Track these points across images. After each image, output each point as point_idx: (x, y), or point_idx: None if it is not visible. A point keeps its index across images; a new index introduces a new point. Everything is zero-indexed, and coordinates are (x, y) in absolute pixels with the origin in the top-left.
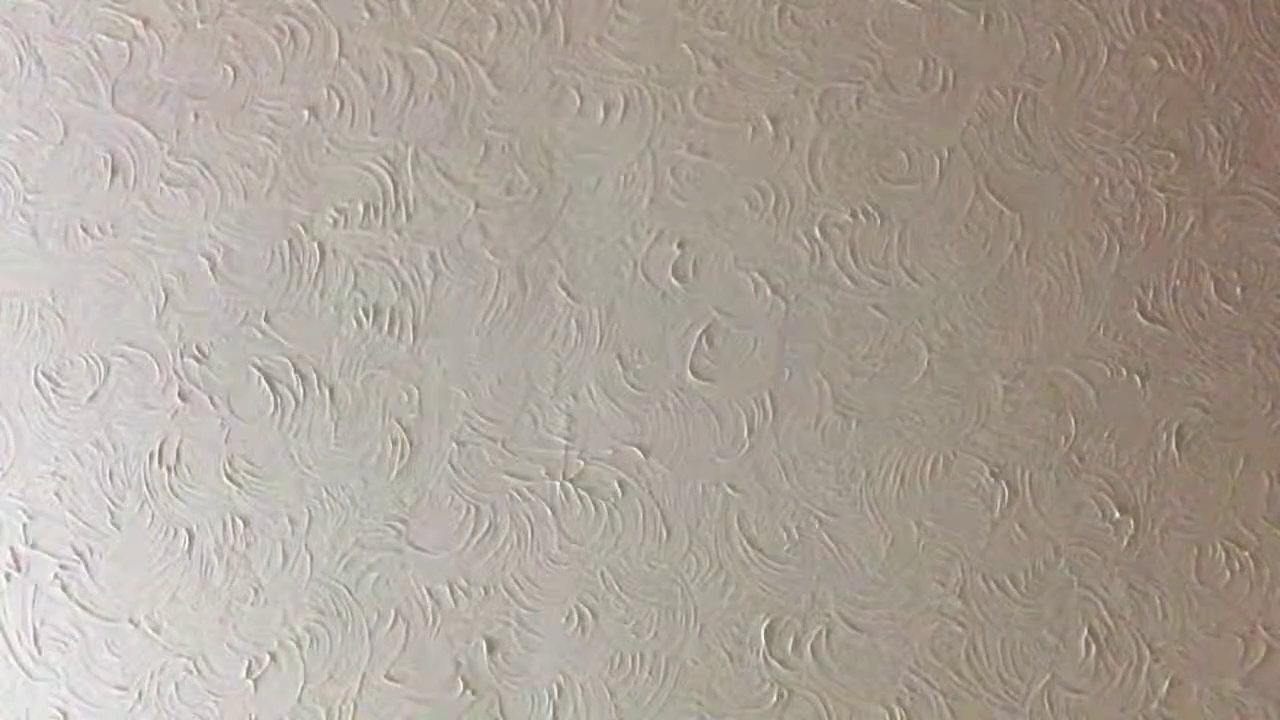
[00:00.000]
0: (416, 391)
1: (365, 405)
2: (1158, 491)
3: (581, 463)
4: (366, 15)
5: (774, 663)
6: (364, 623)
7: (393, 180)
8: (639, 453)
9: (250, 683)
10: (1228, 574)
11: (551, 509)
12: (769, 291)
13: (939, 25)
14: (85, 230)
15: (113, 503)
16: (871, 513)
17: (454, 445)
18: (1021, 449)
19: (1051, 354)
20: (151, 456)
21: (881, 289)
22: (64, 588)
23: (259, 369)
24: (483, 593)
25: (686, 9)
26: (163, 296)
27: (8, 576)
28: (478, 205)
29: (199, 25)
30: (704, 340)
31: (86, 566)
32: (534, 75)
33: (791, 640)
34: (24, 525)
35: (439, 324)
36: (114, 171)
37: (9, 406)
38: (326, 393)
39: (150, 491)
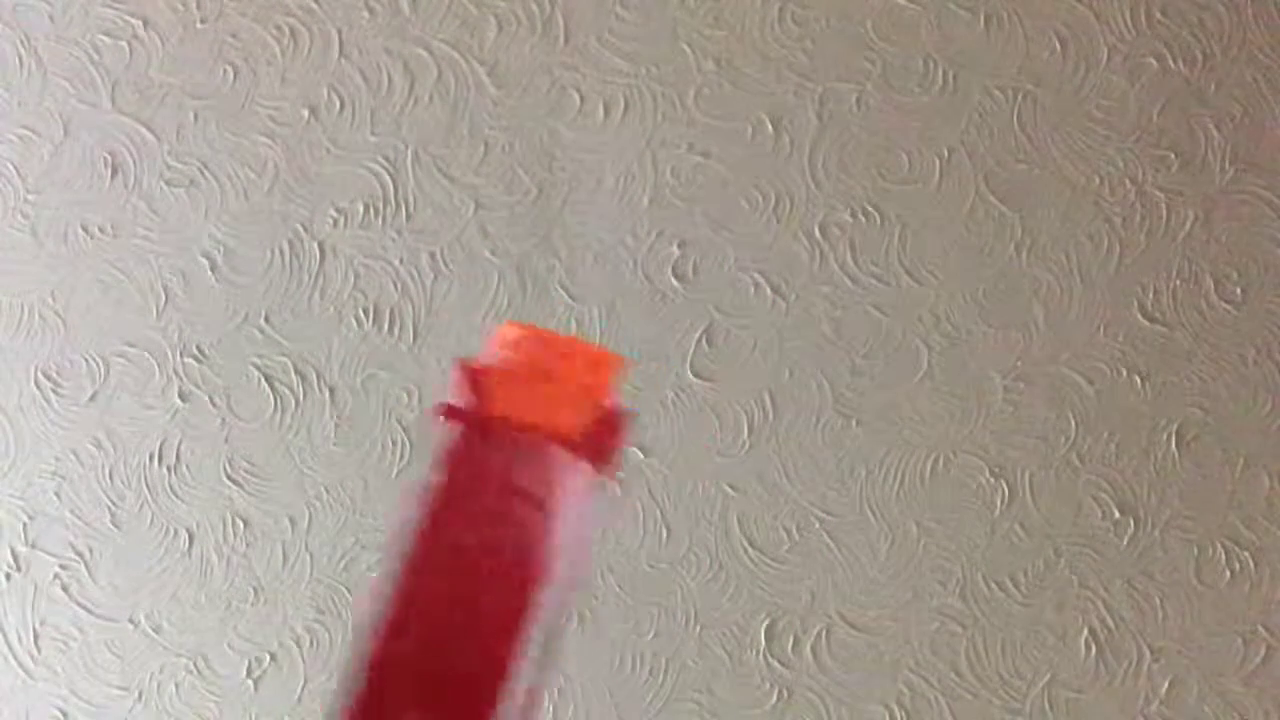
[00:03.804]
0: (416, 391)
1: (365, 405)
2: (1158, 491)
3: None
4: (366, 15)
5: (774, 663)
6: None
7: (393, 180)
8: (639, 453)
9: (250, 683)
10: (1228, 574)
11: None
12: (769, 291)
13: (939, 25)
14: (85, 230)
15: (113, 503)
16: (871, 513)
17: None
18: (1021, 449)
19: (1051, 354)
20: (151, 456)
21: (881, 289)
22: (64, 588)
23: (259, 369)
24: None
25: (686, 9)
26: (163, 296)
27: (8, 576)
28: (478, 205)
29: (199, 25)
30: (704, 340)
31: (86, 566)
32: (534, 75)
33: (791, 640)
34: (24, 525)
35: (439, 324)
36: (114, 171)
37: (9, 406)
38: (326, 393)
39: (150, 491)
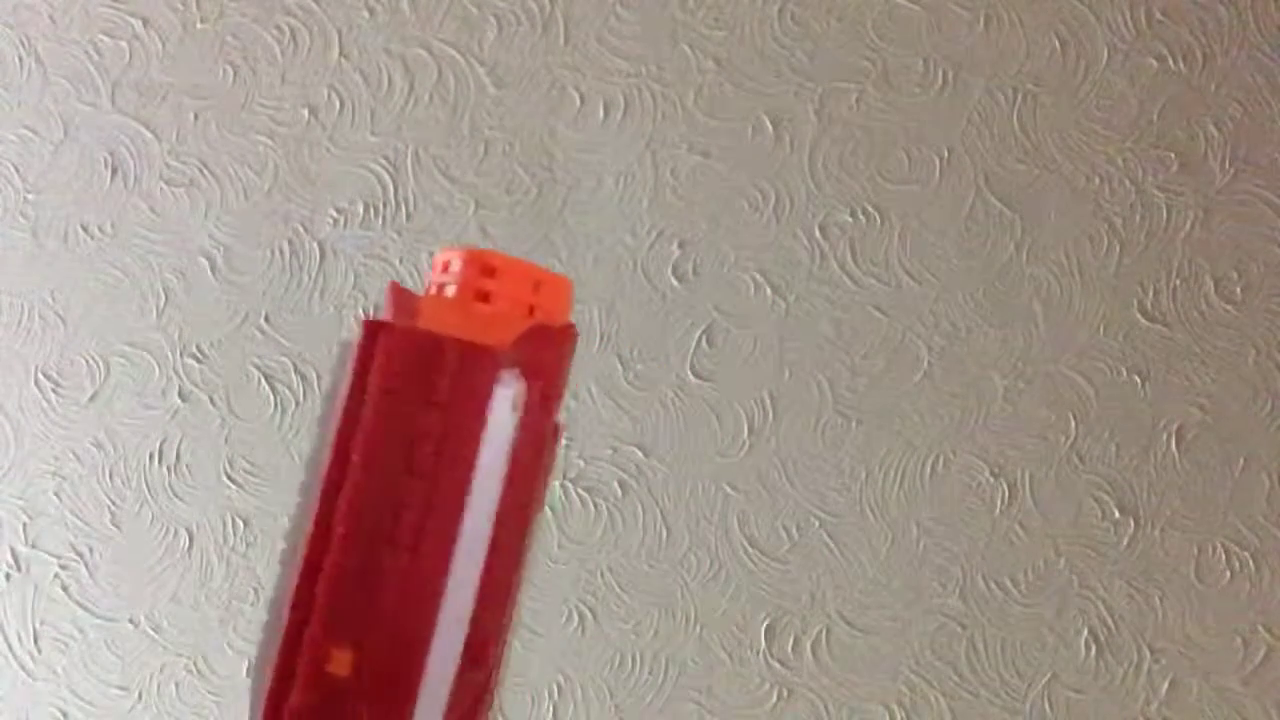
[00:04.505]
0: None
1: None
2: (1158, 491)
3: (581, 463)
4: (366, 15)
5: (774, 663)
6: None
7: (393, 180)
8: (639, 453)
9: (250, 683)
10: (1228, 574)
11: (551, 509)
12: (769, 291)
13: (939, 25)
14: (85, 230)
15: (113, 503)
16: (871, 513)
17: None
18: (1021, 449)
19: (1051, 354)
20: (151, 456)
21: (881, 289)
22: (64, 588)
23: (259, 369)
24: None
25: (686, 9)
26: (163, 296)
27: (8, 576)
28: (478, 205)
29: (199, 25)
30: (704, 340)
31: (86, 566)
32: (534, 75)
33: (791, 640)
34: (24, 525)
35: None
36: (114, 171)
37: (9, 406)
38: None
39: (150, 491)
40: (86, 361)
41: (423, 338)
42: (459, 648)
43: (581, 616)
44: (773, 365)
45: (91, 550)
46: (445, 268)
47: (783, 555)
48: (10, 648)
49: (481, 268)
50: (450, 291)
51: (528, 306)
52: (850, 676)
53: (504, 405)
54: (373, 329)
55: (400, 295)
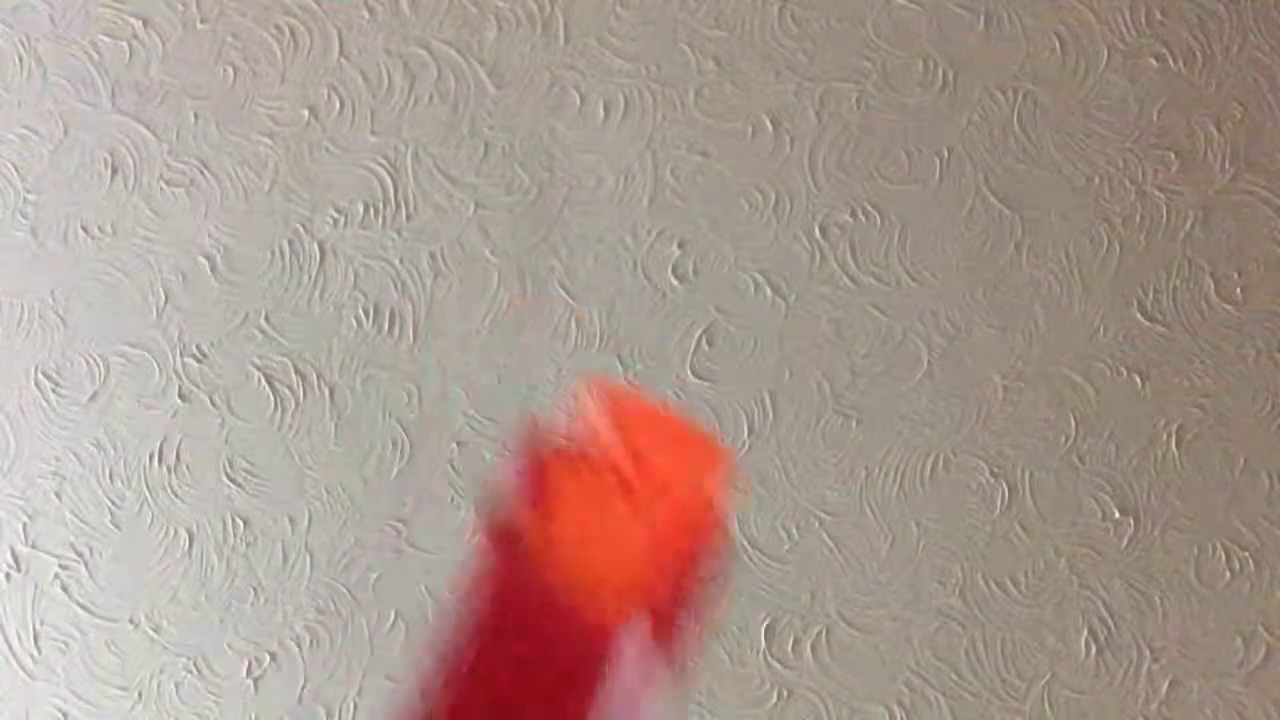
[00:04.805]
0: (416, 391)
1: (365, 405)
2: (1158, 491)
3: None
4: (366, 15)
5: (774, 663)
6: (364, 623)
7: (393, 180)
8: None
9: (250, 683)
10: (1228, 574)
11: None
12: (769, 291)
13: (939, 25)
14: (85, 230)
15: (113, 503)
16: (871, 513)
17: (454, 445)
18: (1021, 449)
19: (1051, 354)
20: (151, 456)
21: (881, 289)
22: (64, 588)
23: (259, 369)
24: None
25: (686, 9)
26: (163, 296)
27: (8, 576)
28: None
29: (199, 25)
30: (704, 340)
31: (86, 566)
32: (534, 75)
33: (791, 640)
34: (24, 525)
35: (439, 324)
36: (114, 171)
37: (9, 406)
38: (326, 393)
39: (150, 491)
40: (86, 361)
41: (572, 622)
42: None
43: None
44: (773, 365)
45: (91, 550)
46: (591, 418)
47: (783, 555)
48: (10, 648)
49: (633, 454)
50: (586, 460)
51: (679, 499)
52: (850, 676)
53: (652, 698)
54: (509, 578)
55: (537, 469)
